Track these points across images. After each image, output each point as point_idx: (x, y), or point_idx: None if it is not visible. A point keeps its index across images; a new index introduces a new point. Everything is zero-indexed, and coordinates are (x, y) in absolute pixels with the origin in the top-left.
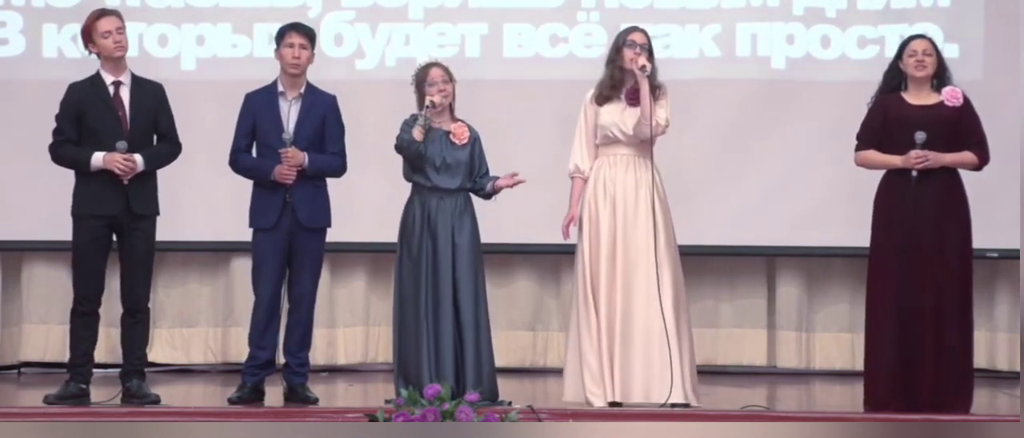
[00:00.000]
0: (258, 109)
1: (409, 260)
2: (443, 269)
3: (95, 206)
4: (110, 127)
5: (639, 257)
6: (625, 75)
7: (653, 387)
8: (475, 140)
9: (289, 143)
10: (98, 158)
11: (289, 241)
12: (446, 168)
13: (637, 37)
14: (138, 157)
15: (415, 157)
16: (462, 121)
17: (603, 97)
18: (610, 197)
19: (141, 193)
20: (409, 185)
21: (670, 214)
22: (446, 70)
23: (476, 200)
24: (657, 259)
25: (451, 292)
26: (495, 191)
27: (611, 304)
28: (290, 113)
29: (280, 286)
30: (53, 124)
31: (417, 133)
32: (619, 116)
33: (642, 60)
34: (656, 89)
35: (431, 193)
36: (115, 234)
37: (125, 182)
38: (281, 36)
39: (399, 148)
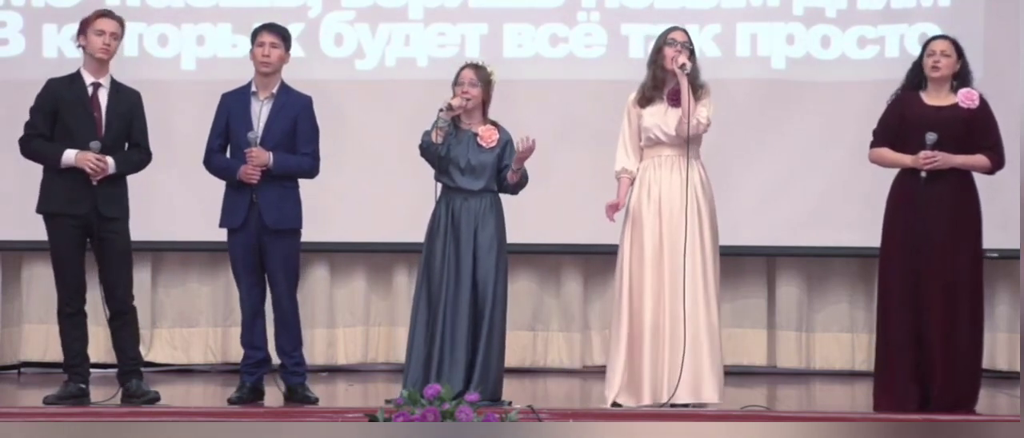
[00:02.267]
0: (231, 109)
1: (432, 260)
2: (464, 269)
3: (64, 204)
4: (85, 127)
5: (685, 258)
6: (667, 75)
7: (703, 386)
8: (506, 143)
9: (255, 142)
10: (70, 156)
11: (258, 242)
12: (470, 170)
13: (678, 36)
14: (110, 159)
15: (435, 159)
16: (494, 123)
17: (645, 99)
18: (655, 199)
19: (110, 195)
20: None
21: (715, 214)
22: (477, 72)
23: (507, 201)
24: (704, 259)
25: (470, 292)
26: (517, 177)
27: (658, 305)
28: (261, 113)
29: (258, 286)
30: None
31: (436, 135)
32: (661, 117)
33: (682, 58)
34: (698, 88)
35: (456, 194)
36: (88, 237)
37: (94, 183)
38: (253, 36)
39: (421, 150)
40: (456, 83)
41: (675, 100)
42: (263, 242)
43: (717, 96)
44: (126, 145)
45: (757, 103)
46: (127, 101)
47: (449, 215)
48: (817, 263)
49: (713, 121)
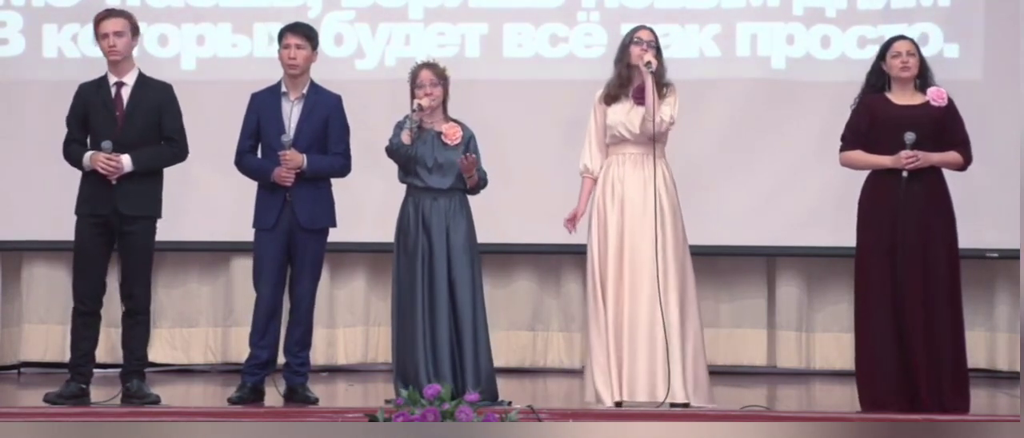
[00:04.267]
0: (261, 109)
1: (405, 261)
2: (439, 269)
3: (89, 206)
4: (106, 127)
5: (646, 256)
6: (632, 73)
7: (658, 386)
8: (469, 140)
9: (288, 145)
10: (86, 158)
11: (289, 241)
12: (438, 168)
13: (644, 34)
14: (125, 158)
15: (405, 160)
16: (456, 121)
17: (611, 97)
18: (618, 197)
19: (131, 194)
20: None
21: (680, 213)
22: (436, 71)
23: (473, 199)
24: (664, 257)
25: (447, 292)
26: (472, 184)
27: (619, 303)
28: (292, 114)
29: (280, 286)
30: (53, 124)
31: (405, 137)
32: (626, 115)
33: (648, 56)
34: (664, 87)
35: (424, 193)
36: (113, 237)
37: (112, 182)
38: (280, 37)
39: (389, 152)
40: (416, 85)
41: (640, 98)
42: (293, 241)
43: (717, 96)
44: (161, 141)
45: (757, 103)
46: (153, 96)
47: (419, 215)
48: (817, 263)
49: (711, 121)
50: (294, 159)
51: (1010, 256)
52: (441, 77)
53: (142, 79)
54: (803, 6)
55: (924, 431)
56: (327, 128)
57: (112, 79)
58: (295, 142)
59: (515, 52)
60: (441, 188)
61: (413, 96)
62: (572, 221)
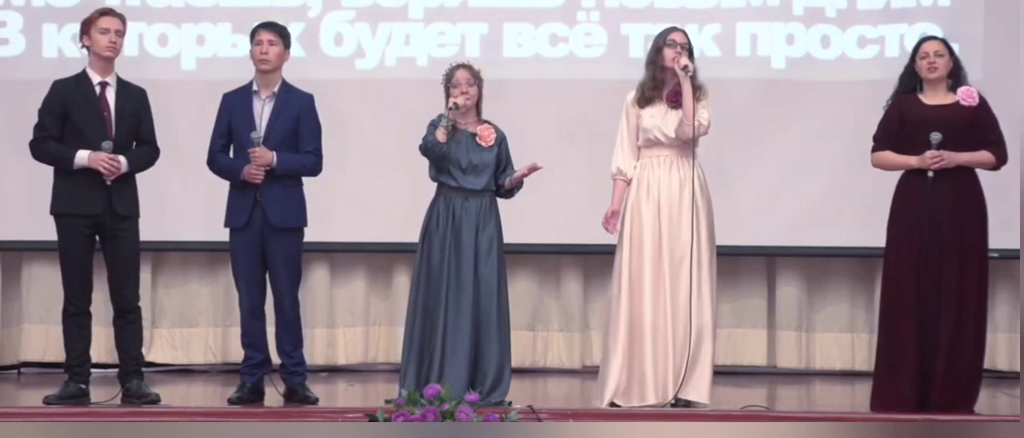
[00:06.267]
0: (233, 108)
1: (431, 259)
2: (466, 268)
3: (78, 205)
4: (95, 127)
5: (684, 257)
6: (666, 75)
7: (691, 384)
8: (502, 141)
9: (257, 142)
10: (82, 156)
11: (262, 241)
12: (472, 169)
13: (677, 37)
14: (123, 158)
15: (440, 159)
16: (489, 122)
17: (645, 99)
18: (654, 198)
19: (123, 194)
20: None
21: (713, 214)
22: (472, 72)
23: (507, 201)
24: (700, 259)
25: (472, 292)
26: (512, 186)
27: (657, 304)
28: (263, 112)
29: (259, 286)
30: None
31: (441, 135)
32: (661, 119)
33: (684, 60)
34: (697, 89)
35: (456, 193)
36: (98, 235)
37: (108, 182)
38: (252, 35)
39: (424, 150)
40: (452, 85)
41: (674, 101)
42: (266, 241)
43: (717, 96)
44: (134, 143)
45: (757, 103)
46: (135, 99)
47: (450, 214)
48: (817, 263)
49: (713, 121)
50: (263, 156)
51: (1010, 256)
52: (476, 77)
53: (121, 81)
54: (803, 6)
55: (924, 431)
56: (299, 127)
57: (95, 78)
58: (265, 140)
59: (515, 52)
60: (474, 189)
61: (448, 96)
62: (610, 221)
